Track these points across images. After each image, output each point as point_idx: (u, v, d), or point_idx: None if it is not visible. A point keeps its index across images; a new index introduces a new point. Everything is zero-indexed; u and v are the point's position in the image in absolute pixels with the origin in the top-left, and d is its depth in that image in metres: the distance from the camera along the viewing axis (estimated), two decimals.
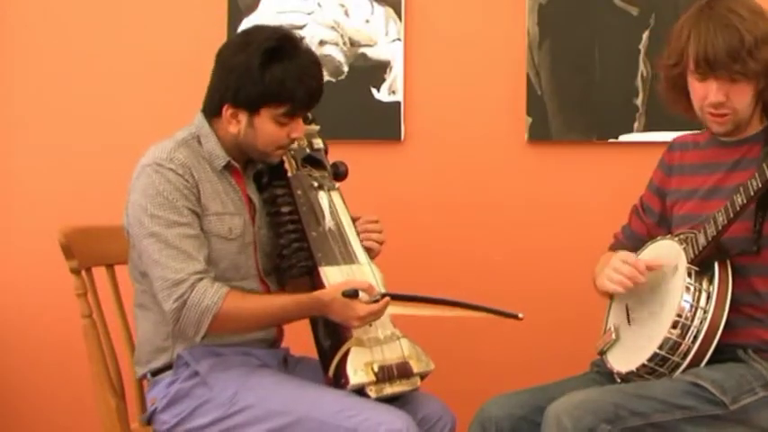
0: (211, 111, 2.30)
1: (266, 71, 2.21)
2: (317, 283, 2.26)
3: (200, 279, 2.17)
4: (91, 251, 2.40)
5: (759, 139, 2.18)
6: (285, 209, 2.33)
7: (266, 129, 2.26)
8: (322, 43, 3.09)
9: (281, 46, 2.23)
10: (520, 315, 2.19)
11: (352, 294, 2.14)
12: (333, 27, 3.10)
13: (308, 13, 3.10)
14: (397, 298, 2.20)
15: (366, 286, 2.18)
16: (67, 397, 3.15)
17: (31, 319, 3.18)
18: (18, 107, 3.23)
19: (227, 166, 2.31)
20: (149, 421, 2.30)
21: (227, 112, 2.26)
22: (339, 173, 2.46)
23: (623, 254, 2.23)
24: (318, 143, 2.46)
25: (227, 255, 2.28)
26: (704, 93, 2.14)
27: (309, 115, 2.45)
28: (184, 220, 2.20)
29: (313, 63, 2.28)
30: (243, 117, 2.26)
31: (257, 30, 2.34)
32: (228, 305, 2.17)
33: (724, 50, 2.08)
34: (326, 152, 2.48)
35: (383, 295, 2.17)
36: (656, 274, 2.20)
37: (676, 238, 2.22)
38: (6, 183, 3.22)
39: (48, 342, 3.17)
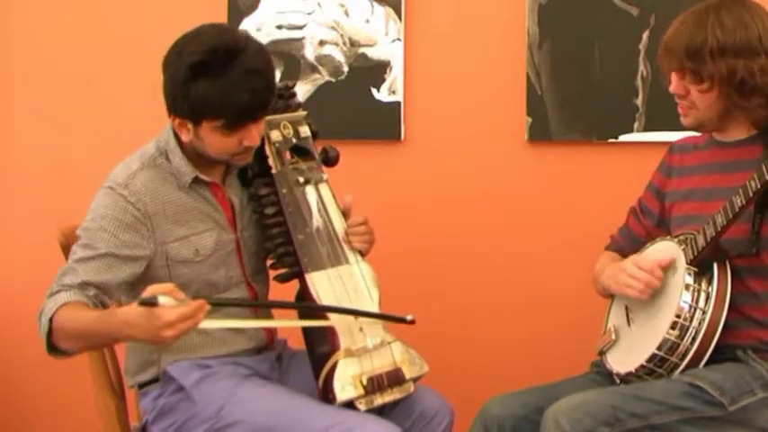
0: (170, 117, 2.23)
1: (190, 88, 2.10)
2: (304, 290, 2.24)
3: (60, 291, 2.08)
4: None
5: (757, 141, 2.17)
6: (269, 210, 2.28)
7: (212, 140, 2.17)
8: (322, 43, 3.09)
9: (207, 60, 2.10)
10: (408, 318, 2.18)
11: (149, 302, 1.87)
12: (333, 27, 3.10)
13: (308, 13, 3.10)
14: (217, 304, 2.06)
15: (168, 289, 1.91)
16: (67, 397, 3.15)
17: (31, 320, 3.17)
18: (18, 107, 3.23)
19: (196, 180, 2.25)
20: (143, 430, 2.30)
21: (174, 121, 2.19)
22: (329, 159, 2.38)
23: (638, 259, 2.22)
24: (305, 131, 2.36)
25: (197, 276, 2.24)
26: (669, 80, 2.22)
27: (295, 101, 2.38)
28: (98, 246, 2.13)
29: (247, 74, 2.11)
30: (189, 126, 2.18)
31: (192, 37, 2.17)
32: (60, 315, 2.04)
33: (683, 44, 2.12)
34: (316, 137, 2.38)
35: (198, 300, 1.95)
36: None
37: (675, 240, 2.21)
38: (6, 183, 3.22)
39: None
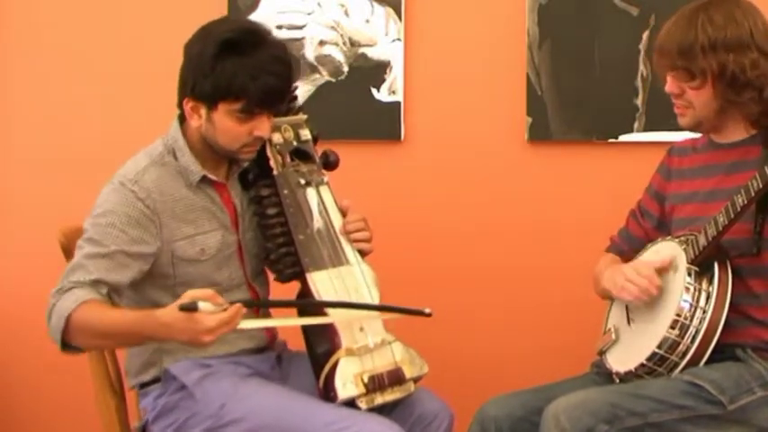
0: (179, 106, 2.24)
1: (218, 64, 2.13)
2: (305, 289, 2.24)
3: (73, 288, 2.07)
4: None
5: (756, 142, 2.18)
6: (271, 210, 2.28)
7: (225, 125, 2.18)
8: (322, 43, 3.09)
9: (239, 39, 2.14)
10: (427, 311, 2.17)
11: (190, 308, 1.93)
12: (333, 27, 3.10)
13: (308, 13, 3.10)
14: (251, 305, 2.11)
15: (208, 295, 1.96)
16: (67, 397, 3.15)
17: (31, 319, 3.17)
18: (18, 107, 3.23)
19: (203, 179, 2.25)
20: (143, 430, 2.30)
21: (187, 105, 2.20)
22: (329, 162, 2.38)
23: (638, 264, 2.22)
24: (306, 134, 2.36)
25: (201, 276, 2.23)
26: (665, 82, 2.22)
27: (296, 104, 2.39)
28: (107, 243, 2.12)
29: (275, 59, 2.16)
30: (202, 111, 2.19)
31: (221, 21, 2.27)
32: (80, 313, 2.03)
33: (676, 43, 2.14)
34: (316, 141, 2.40)
35: (232, 302, 1.99)
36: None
37: (677, 240, 2.22)
38: (6, 183, 3.22)
39: (48, 342, 3.15)
